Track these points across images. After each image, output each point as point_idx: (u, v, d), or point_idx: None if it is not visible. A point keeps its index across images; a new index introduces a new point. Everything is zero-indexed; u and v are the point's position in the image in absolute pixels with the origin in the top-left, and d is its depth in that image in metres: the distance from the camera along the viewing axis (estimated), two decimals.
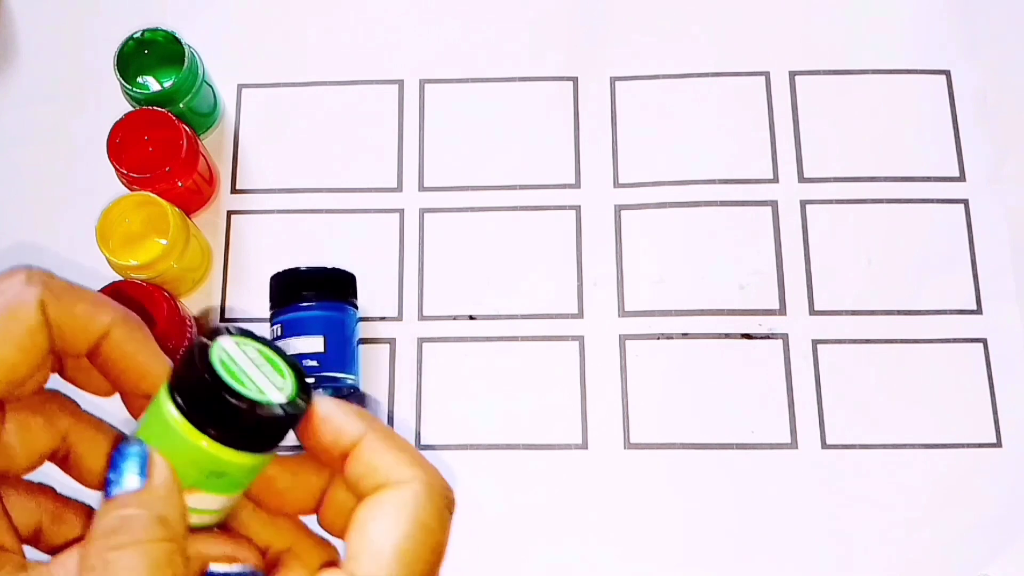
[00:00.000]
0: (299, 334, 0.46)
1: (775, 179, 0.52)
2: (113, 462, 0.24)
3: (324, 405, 0.26)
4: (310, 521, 0.27)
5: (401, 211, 0.52)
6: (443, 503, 0.26)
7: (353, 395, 0.48)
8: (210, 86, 0.52)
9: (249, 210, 0.52)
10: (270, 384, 0.25)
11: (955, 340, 0.50)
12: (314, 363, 0.45)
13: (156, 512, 0.23)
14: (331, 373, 0.46)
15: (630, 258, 0.51)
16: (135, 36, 0.49)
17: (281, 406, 0.24)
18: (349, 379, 0.47)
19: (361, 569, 0.24)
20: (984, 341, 0.50)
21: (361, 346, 0.49)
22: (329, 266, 0.48)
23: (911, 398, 0.49)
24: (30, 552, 0.26)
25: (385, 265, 0.51)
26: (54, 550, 0.26)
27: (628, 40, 0.55)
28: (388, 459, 0.26)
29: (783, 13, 0.55)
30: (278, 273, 0.48)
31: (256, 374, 0.25)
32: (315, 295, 0.46)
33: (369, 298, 0.51)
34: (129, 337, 0.27)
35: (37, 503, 0.27)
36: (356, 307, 0.48)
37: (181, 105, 0.49)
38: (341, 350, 0.46)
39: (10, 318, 0.25)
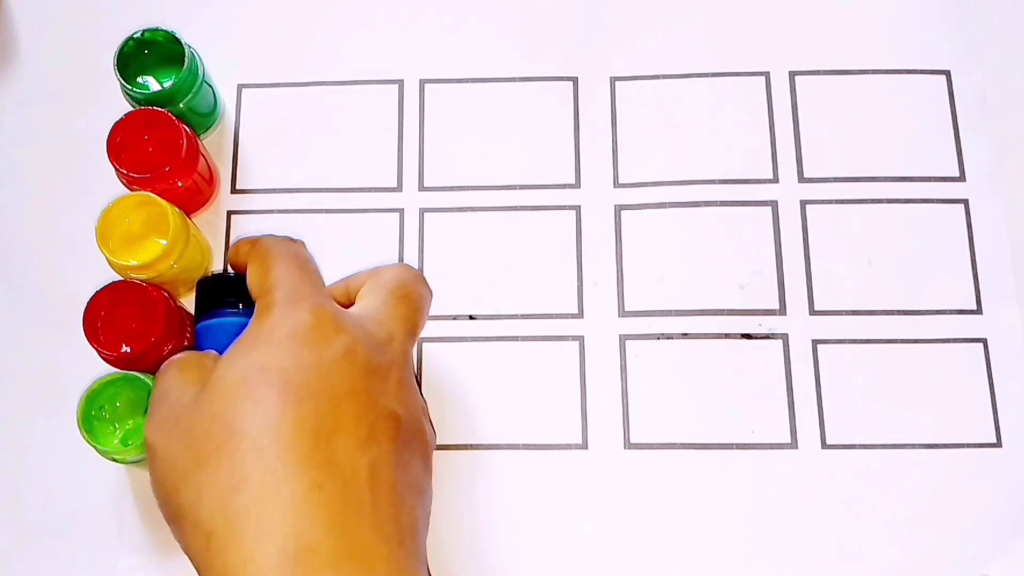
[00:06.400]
0: (220, 339, 0.44)
1: (775, 179, 0.52)
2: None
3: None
4: None
5: (401, 211, 0.52)
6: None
7: None
8: (210, 86, 0.52)
9: (249, 210, 0.52)
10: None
11: (955, 340, 0.50)
12: None
13: None
14: None
15: (630, 258, 0.51)
16: (135, 36, 0.49)
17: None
18: None
19: None
20: (984, 341, 0.50)
21: None
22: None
23: (911, 398, 0.49)
24: None
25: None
26: None
27: (628, 40, 0.55)
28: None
29: (783, 13, 0.55)
30: (203, 279, 0.47)
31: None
32: (238, 301, 0.44)
33: None
34: None
35: None
36: None
37: (181, 105, 0.49)
38: None
39: None
